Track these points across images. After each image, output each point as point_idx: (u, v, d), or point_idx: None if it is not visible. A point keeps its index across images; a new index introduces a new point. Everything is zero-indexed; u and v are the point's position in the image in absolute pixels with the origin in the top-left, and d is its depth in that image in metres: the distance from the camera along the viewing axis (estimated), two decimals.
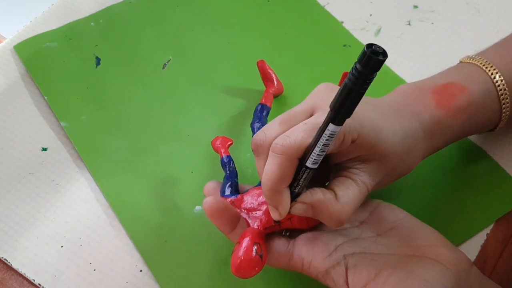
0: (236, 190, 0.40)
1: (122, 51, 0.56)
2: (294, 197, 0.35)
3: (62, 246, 0.44)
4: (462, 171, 0.47)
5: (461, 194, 0.46)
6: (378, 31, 0.57)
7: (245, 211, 0.38)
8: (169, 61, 0.55)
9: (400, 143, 0.37)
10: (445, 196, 0.45)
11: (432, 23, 0.57)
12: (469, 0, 0.59)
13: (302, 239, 0.37)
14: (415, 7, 0.59)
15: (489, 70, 0.41)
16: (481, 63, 0.42)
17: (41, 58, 0.55)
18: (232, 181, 0.40)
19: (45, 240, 0.44)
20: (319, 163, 0.33)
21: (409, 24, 0.58)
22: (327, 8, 0.59)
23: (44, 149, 0.50)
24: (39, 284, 0.42)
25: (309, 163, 0.33)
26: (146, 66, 0.55)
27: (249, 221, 0.37)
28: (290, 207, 0.35)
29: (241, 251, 0.35)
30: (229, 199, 0.38)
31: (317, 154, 0.33)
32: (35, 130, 0.51)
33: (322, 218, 0.35)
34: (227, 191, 0.39)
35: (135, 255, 0.43)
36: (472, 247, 0.43)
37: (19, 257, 0.44)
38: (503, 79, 0.41)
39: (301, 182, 0.34)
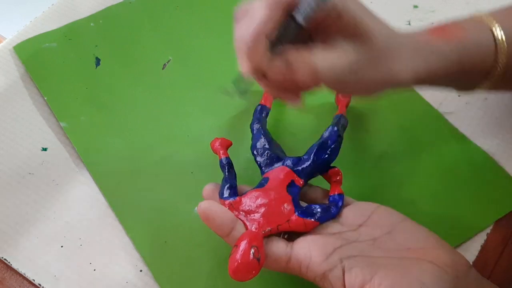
0: (234, 192, 0.40)
1: (122, 51, 0.56)
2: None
3: (62, 246, 0.44)
4: (462, 171, 0.47)
5: (461, 194, 0.46)
6: None
7: (243, 214, 0.38)
8: (169, 61, 0.55)
9: (385, 31, 0.36)
10: (445, 196, 0.46)
11: (432, 23, 0.57)
12: (469, 0, 0.59)
13: (300, 242, 0.37)
14: (415, 7, 0.59)
15: (493, 25, 0.40)
16: (487, 19, 0.41)
17: (40, 58, 0.55)
18: (231, 183, 0.40)
19: (45, 240, 0.44)
20: (308, 21, 0.32)
21: (409, 24, 0.58)
22: None
23: (44, 149, 0.50)
24: (39, 284, 0.42)
25: (299, 17, 0.32)
26: (146, 66, 0.55)
27: (247, 223, 0.37)
28: (267, 63, 0.34)
29: (238, 254, 0.35)
30: (227, 202, 0.38)
31: (311, 8, 0.31)
32: (35, 130, 0.51)
33: (297, 73, 0.34)
34: (226, 193, 0.39)
35: (135, 255, 0.43)
36: (472, 247, 0.43)
37: (19, 257, 0.44)
38: (505, 39, 0.40)
39: (283, 38, 0.33)
